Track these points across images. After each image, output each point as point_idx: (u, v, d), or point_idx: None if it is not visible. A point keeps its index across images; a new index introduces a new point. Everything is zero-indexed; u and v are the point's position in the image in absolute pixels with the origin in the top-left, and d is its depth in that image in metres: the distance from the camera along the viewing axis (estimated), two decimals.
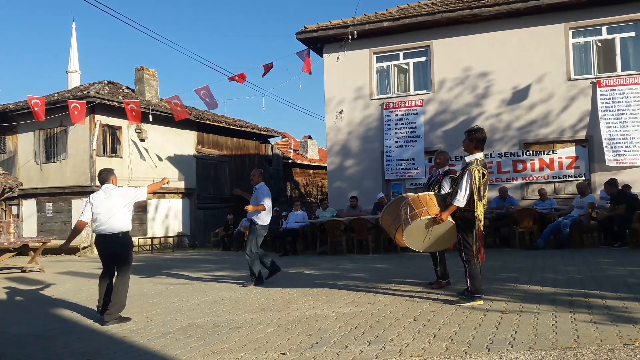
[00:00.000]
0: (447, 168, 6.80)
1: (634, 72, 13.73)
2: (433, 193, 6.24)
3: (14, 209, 20.19)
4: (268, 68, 15.46)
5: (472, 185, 5.58)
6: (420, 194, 6.18)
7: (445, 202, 5.94)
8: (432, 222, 5.84)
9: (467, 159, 5.80)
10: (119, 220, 6.00)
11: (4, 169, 18.54)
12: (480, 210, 5.61)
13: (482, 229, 5.73)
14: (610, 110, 13.60)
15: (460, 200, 5.66)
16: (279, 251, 14.09)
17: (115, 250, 6.07)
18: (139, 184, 19.87)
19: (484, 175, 5.63)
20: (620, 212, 10.78)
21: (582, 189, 12.00)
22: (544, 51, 14.24)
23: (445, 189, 6.41)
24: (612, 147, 13.45)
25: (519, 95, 14.50)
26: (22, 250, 12.77)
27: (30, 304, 7.94)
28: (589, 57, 14.16)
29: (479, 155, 5.77)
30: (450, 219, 5.83)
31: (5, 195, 15.33)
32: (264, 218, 8.24)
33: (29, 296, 8.66)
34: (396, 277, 8.15)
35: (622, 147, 13.43)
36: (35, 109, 16.19)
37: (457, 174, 6.07)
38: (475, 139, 5.75)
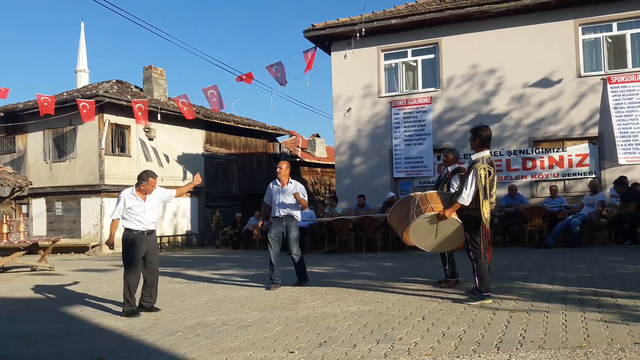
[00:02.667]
0: (456, 166, 6.75)
1: None
2: (437, 191, 6.22)
3: (24, 208, 20.35)
4: (278, 71, 15.42)
5: (477, 184, 5.56)
6: (427, 192, 6.17)
7: (451, 200, 5.92)
8: (436, 218, 5.82)
9: (474, 157, 5.78)
10: None
11: (14, 168, 18.64)
12: (486, 209, 5.57)
13: (488, 227, 5.70)
14: (620, 107, 13.48)
15: (465, 199, 5.64)
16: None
17: None
18: None
19: (490, 173, 5.59)
20: (630, 210, 10.70)
21: (594, 186, 11.91)
22: (554, 48, 14.14)
23: (454, 187, 6.37)
24: (622, 145, 13.34)
25: (528, 92, 14.41)
26: (32, 249, 12.84)
27: (40, 302, 7.99)
28: (599, 54, 14.04)
29: (485, 153, 5.74)
30: (457, 219, 5.79)
31: (15, 194, 15.44)
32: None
33: (39, 295, 8.71)
34: (405, 275, 8.13)
35: (632, 144, 13.31)
36: (45, 103, 16.32)
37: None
38: (480, 136, 5.73)
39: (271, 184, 7.96)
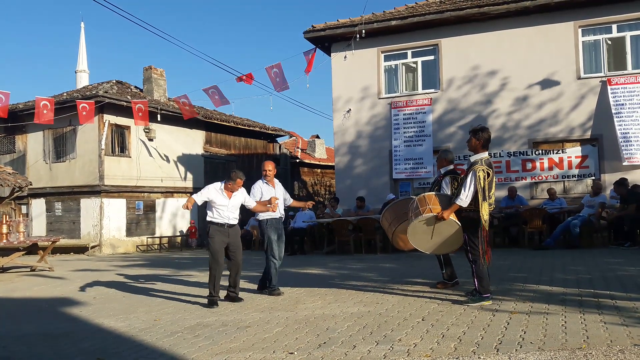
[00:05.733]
0: (448, 168, 6.68)
1: None
2: (436, 193, 6.21)
3: (24, 208, 20.33)
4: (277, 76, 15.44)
5: (476, 185, 5.55)
6: (426, 193, 6.16)
7: (450, 202, 5.91)
8: (434, 219, 5.81)
9: (472, 158, 5.77)
10: None
11: (14, 168, 18.60)
12: (484, 210, 5.56)
13: (487, 229, 5.69)
14: (621, 109, 13.49)
15: (463, 200, 5.63)
16: (286, 251, 14.05)
17: None
18: (147, 183, 19.97)
19: (489, 174, 5.59)
20: (630, 211, 10.70)
21: (598, 188, 11.91)
22: (553, 49, 14.15)
23: (445, 190, 6.33)
24: (624, 146, 13.34)
25: (528, 93, 14.42)
26: (32, 249, 12.83)
27: (40, 303, 7.98)
28: (599, 55, 14.05)
29: (484, 154, 5.74)
30: (456, 221, 5.78)
31: (15, 194, 15.39)
32: None
33: (38, 295, 8.71)
34: (404, 277, 8.13)
35: (633, 145, 13.32)
36: (45, 111, 16.31)
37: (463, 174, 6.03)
38: (482, 138, 5.72)
39: (260, 185, 7.57)
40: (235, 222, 6.92)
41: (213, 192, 6.81)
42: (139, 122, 17.95)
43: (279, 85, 15.49)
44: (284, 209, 7.80)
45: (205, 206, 6.99)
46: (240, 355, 4.33)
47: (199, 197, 6.82)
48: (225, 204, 6.78)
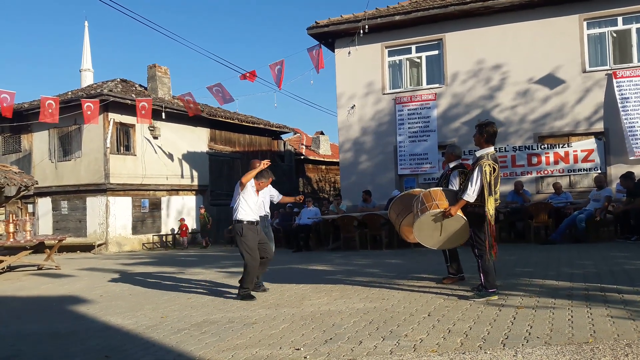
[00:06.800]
0: (457, 162, 6.69)
1: None
2: (442, 188, 6.20)
3: (30, 207, 20.44)
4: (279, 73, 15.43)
5: (482, 180, 5.53)
6: (431, 189, 6.15)
7: (456, 197, 5.89)
8: (441, 215, 5.80)
9: (478, 153, 5.74)
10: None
11: (20, 167, 18.68)
12: (490, 205, 5.54)
13: (493, 224, 5.66)
14: (627, 102, 13.41)
15: (470, 195, 5.61)
16: (292, 247, 14.11)
17: None
18: (152, 181, 20.03)
19: (494, 169, 5.57)
20: (636, 205, 10.64)
21: (600, 182, 11.86)
22: (558, 43, 14.07)
23: (454, 184, 6.33)
24: (629, 140, 13.26)
25: (533, 87, 14.35)
26: (38, 248, 12.89)
27: (46, 301, 8.02)
28: (604, 48, 13.95)
29: (490, 149, 5.71)
30: (462, 216, 5.77)
31: (21, 193, 15.47)
32: None
33: (45, 294, 8.75)
34: (410, 272, 8.12)
35: (639, 139, 13.23)
36: (50, 110, 16.36)
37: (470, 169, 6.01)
38: (487, 132, 5.69)
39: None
40: (258, 218, 6.92)
41: (249, 187, 6.78)
42: (141, 120, 17.99)
43: (281, 83, 15.49)
44: (281, 206, 7.75)
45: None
46: (246, 352, 4.34)
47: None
48: (255, 201, 6.82)
